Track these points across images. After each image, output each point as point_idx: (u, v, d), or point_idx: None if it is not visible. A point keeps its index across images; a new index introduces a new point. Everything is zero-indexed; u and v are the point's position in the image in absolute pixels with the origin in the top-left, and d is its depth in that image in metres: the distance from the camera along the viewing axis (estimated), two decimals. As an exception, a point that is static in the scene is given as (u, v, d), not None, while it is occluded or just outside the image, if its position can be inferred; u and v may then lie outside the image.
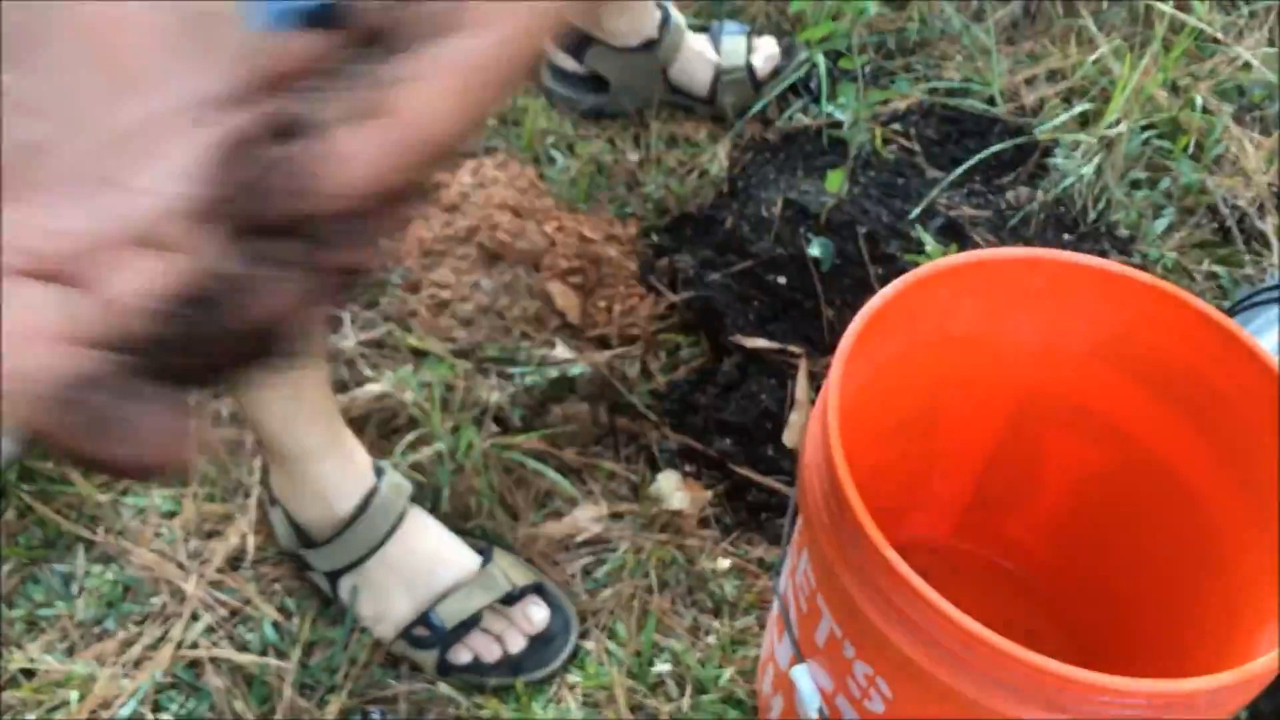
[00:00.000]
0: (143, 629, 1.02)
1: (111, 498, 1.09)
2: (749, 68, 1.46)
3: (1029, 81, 1.52)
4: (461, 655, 1.01)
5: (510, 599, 1.02)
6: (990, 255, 0.83)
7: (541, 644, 1.02)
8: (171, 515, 1.09)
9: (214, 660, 1.00)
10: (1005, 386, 0.91)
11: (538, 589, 1.04)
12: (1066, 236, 1.36)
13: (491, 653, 1.01)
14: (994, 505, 1.00)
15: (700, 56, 1.46)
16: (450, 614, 1.00)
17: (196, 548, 1.07)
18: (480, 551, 1.05)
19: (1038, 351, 0.88)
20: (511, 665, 1.01)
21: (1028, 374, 0.90)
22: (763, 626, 1.04)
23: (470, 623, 1.00)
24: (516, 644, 1.01)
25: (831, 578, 0.69)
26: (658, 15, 1.44)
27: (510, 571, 1.03)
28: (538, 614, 1.02)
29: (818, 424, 0.72)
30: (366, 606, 1.02)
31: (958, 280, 0.81)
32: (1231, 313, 1.14)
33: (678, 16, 1.46)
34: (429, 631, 1.00)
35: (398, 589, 1.01)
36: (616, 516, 1.11)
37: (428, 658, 1.01)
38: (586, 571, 1.08)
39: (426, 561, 1.02)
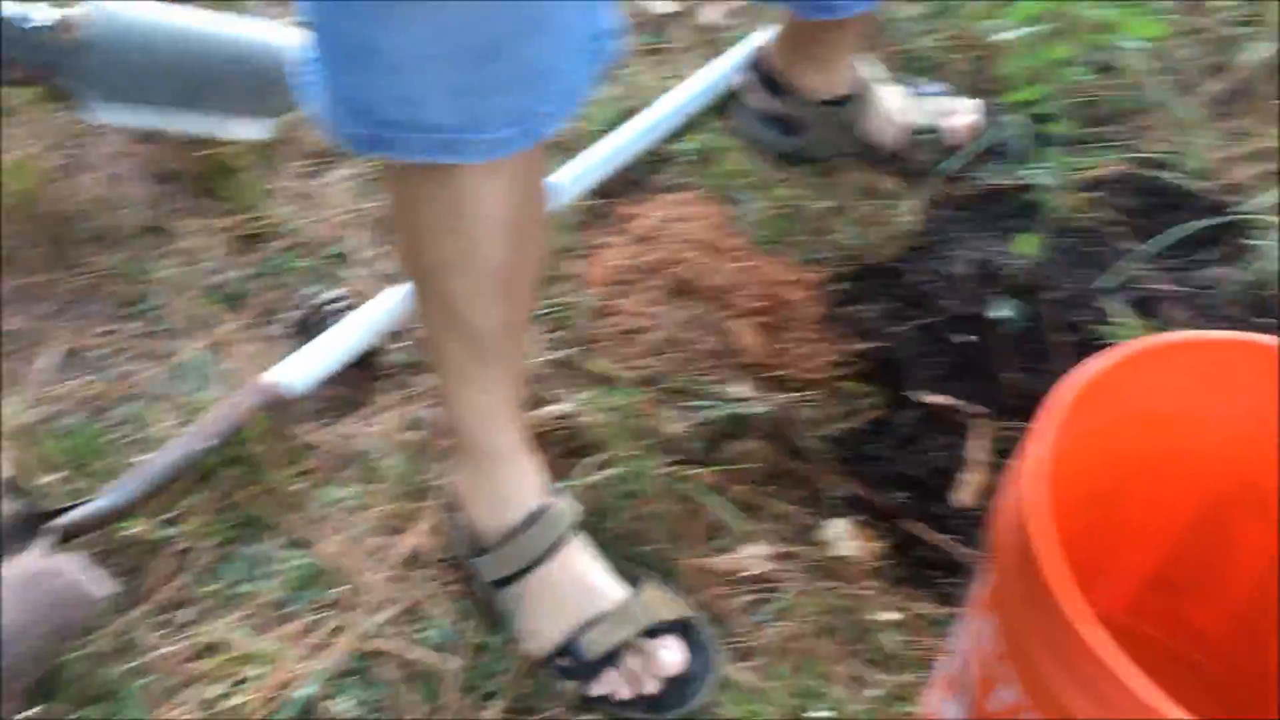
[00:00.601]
0: (325, 616, 1.07)
1: (305, 488, 1.15)
2: (941, 130, 1.46)
3: (1234, 159, 1.48)
4: (598, 689, 1.02)
5: (653, 634, 1.03)
6: (1201, 336, 0.82)
7: (679, 685, 1.02)
8: (359, 510, 1.14)
9: (387, 653, 1.05)
10: (1202, 469, 0.89)
11: (683, 628, 1.05)
12: (1262, 320, 1.32)
13: (626, 692, 1.02)
14: (1177, 589, 0.97)
15: (892, 115, 1.46)
16: (593, 645, 1.02)
17: (380, 543, 1.11)
18: (633, 581, 1.06)
19: (1239, 436, 0.86)
20: (648, 704, 1.02)
21: (1227, 458, 0.88)
22: (924, 684, 1.04)
23: (610, 657, 1.02)
24: (650, 686, 1.02)
25: (1021, 647, 0.69)
26: (852, 73, 1.45)
27: (657, 606, 1.04)
28: (671, 659, 1.02)
29: (1016, 492, 0.72)
30: (521, 622, 1.05)
31: (1167, 358, 0.80)
32: None
33: (872, 75, 1.47)
34: (572, 661, 1.02)
35: (550, 610, 1.04)
36: (783, 557, 1.12)
37: (568, 687, 1.03)
38: (749, 609, 1.09)
39: (578, 588, 1.04)
